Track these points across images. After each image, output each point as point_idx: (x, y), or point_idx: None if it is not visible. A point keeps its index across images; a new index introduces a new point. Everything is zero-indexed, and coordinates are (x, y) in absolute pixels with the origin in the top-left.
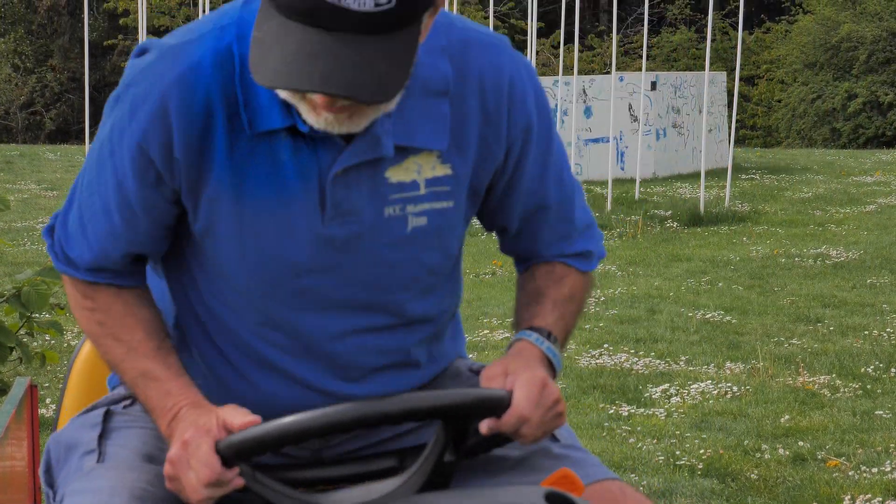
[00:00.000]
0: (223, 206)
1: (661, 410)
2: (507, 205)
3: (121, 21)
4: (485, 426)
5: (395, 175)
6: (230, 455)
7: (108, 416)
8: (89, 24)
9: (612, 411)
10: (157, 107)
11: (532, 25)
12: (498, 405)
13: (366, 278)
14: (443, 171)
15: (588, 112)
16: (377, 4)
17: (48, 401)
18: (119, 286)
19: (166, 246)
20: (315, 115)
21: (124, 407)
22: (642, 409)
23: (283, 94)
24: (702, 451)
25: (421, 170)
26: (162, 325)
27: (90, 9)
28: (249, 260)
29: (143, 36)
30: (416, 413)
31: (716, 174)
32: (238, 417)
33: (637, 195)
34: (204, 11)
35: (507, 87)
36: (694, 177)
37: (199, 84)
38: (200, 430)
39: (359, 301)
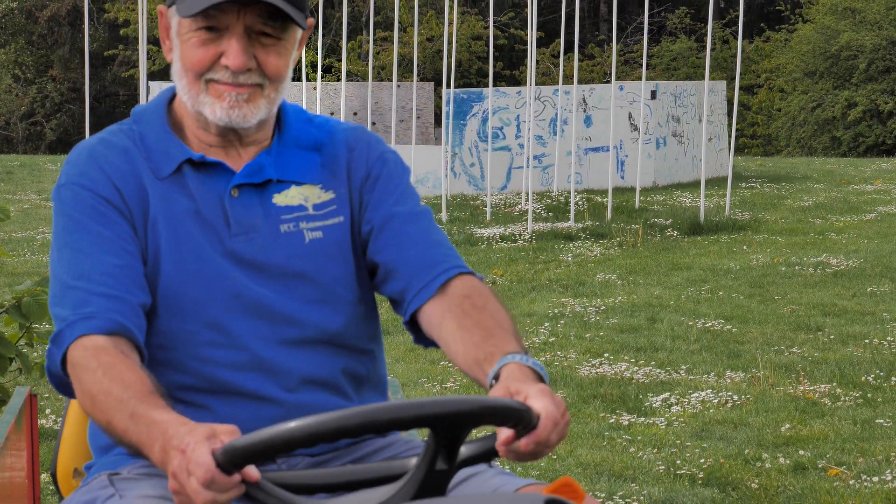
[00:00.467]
0: (160, 233)
1: (662, 419)
2: (368, 215)
3: (121, 31)
4: (505, 438)
5: (282, 200)
6: (230, 461)
7: (112, 477)
8: (90, 35)
9: (612, 420)
10: (88, 159)
11: (532, 35)
12: (517, 415)
13: (284, 288)
14: (327, 196)
15: (588, 121)
16: None
17: (48, 411)
18: (107, 335)
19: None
20: (219, 103)
21: (125, 474)
22: (643, 419)
23: (187, 94)
24: (702, 461)
25: (307, 198)
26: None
27: (91, 19)
28: (190, 272)
29: (143, 46)
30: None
31: (716, 183)
32: (228, 430)
33: (637, 204)
34: None
35: (366, 138)
36: (694, 185)
37: (116, 142)
38: (195, 437)
39: (284, 310)
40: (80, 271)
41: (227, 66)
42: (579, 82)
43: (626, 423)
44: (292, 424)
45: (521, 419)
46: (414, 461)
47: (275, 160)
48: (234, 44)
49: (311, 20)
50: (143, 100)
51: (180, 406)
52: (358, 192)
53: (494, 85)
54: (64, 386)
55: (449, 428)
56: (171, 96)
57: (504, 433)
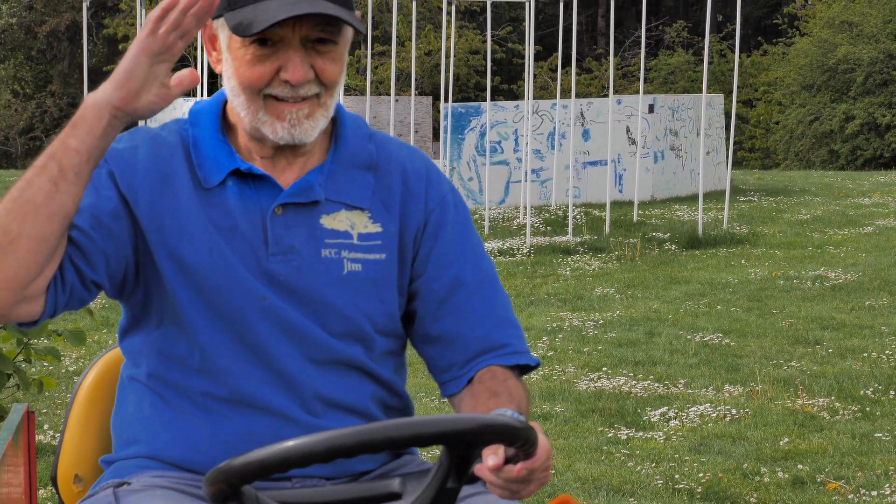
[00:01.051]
0: (190, 244)
1: (660, 434)
2: (428, 274)
3: (120, 46)
4: (494, 463)
5: (329, 223)
6: (236, 480)
7: (117, 490)
8: (89, 50)
9: (610, 434)
10: (130, 146)
11: (530, 49)
12: (514, 434)
13: (314, 315)
14: (374, 228)
15: (586, 135)
16: None
17: (46, 427)
18: None
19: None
20: (280, 123)
21: (134, 485)
22: (641, 433)
23: (245, 111)
24: (701, 475)
25: (354, 225)
26: None
27: (90, 34)
28: (222, 289)
29: None
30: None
31: (714, 196)
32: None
33: (635, 218)
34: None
35: (426, 171)
36: (692, 199)
37: (165, 142)
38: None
39: (313, 335)
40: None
41: (288, 81)
42: (577, 96)
43: (625, 437)
44: (292, 443)
45: (528, 439)
46: (401, 481)
47: (326, 179)
48: (294, 57)
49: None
50: None
51: (199, 410)
52: (412, 236)
53: (492, 99)
54: None
55: (461, 446)
56: (226, 99)
57: (492, 459)
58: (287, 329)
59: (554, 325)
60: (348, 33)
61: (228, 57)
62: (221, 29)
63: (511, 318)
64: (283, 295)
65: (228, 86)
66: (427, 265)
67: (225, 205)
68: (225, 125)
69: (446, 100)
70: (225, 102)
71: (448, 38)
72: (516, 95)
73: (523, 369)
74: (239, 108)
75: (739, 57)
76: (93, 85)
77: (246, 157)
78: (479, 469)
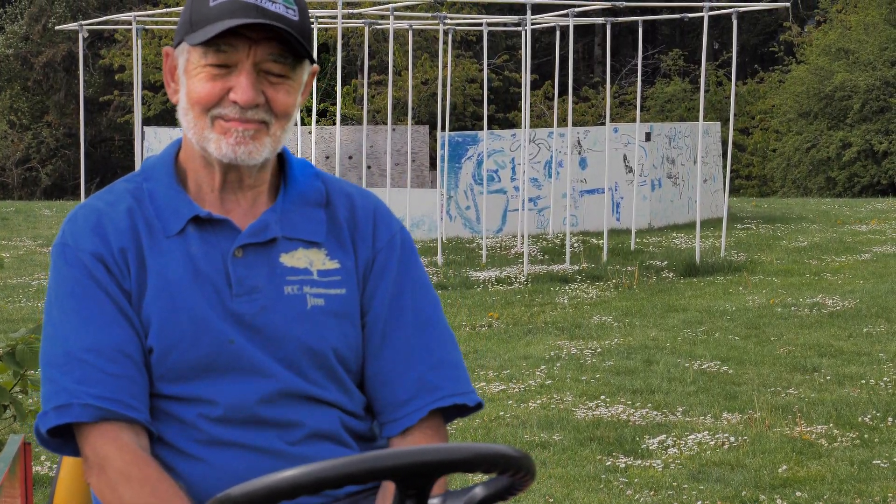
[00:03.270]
0: (156, 294)
1: (659, 462)
2: (373, 312)
3: (116, 77)
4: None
5: (289, 261)
6: None
7: None
8: (85, 81)
9: (609, 463)
10: (94, 223)
11: (526, 77)
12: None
13: (282, 353)
14: (332, 265)
15: (583, 163)
16: (287, 9)
17: (42, 458)
18: (123, 421)
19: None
20: (225, 139)
21: None
22: (639, 461)
23: (192, 129)
24: (699, 503)
25: (312, 263)
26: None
27: (86, 65)
28: (187, 337)
29: (138, 91)
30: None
31: (711, 224)
32: None
33: (633, 246)
34: None
35: (373, 210)
36: (689, 227)
37: (120, 205)
38: None
39: (281, 376)
40: (88, 343)
41: (236, 102)
42: (574, 124)
43: (623, 465)
44: (286, 474)
45: (529, 469)
46: None
47: (280, 217)
48: (244, 79)
49: (314, 66)
50: (137, 145)
51: (175, 455)
52: (363, 272)
53: (488, 128)
54: (49, 444)
55: (412, 479)
56: (178, 149)
57: None
58: (255, 370)
59: (552, 353)
60: (304, 70)
61: (184, 80)
62: (181, 54)
63: (450, 359)
64: (250, 334)
65: (180, 107)
66: (372, 302)
67: (187, 249)
68: (178, 175)
69: (443, 129)
70: (177, 154)
71: (445, 66)
72: (512, 124)
73: (465, 408)
74: (187, 129)
75: (736, 84)
76: (89, 115)
77: (198, 200)
78: None
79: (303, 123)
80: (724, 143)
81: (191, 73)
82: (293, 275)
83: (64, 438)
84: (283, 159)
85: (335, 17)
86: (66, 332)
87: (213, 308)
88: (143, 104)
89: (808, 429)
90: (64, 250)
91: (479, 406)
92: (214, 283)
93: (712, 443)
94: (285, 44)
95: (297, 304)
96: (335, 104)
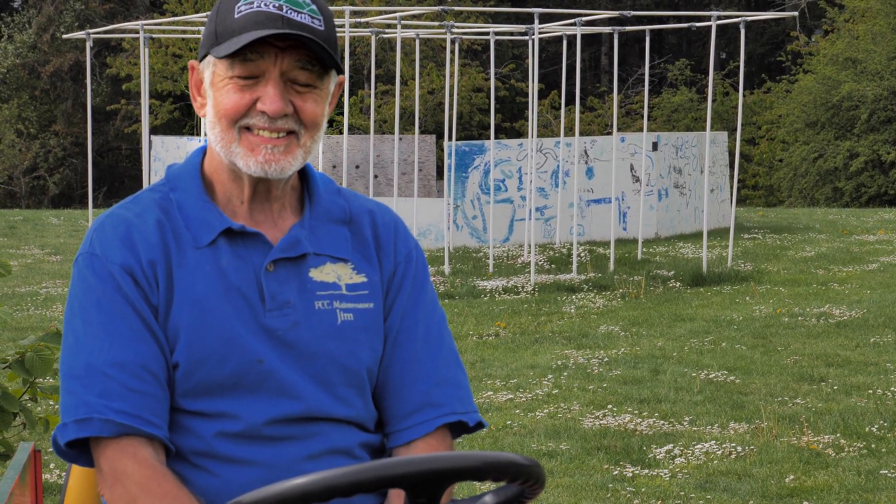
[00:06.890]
0: (185, 308)
1: (666, 471)
2: (388, 324)
3: (124, 86)
4: None
5: (318, 275)
6: None
7: None
8: (92, 90)
9: (616, 472)
10: (123, 234)
11: (533, 87)
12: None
13: (311, 370)
14: (359, 279)
15: (590, 173)
16: (312, 19)
17: (52, 466)
18: (142, 436)
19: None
20: (253, 157)
21: None
22: (647, 470)
23: (220, 142)
24: None
25: (340, 277)
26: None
27: (93, 74)
28: (215, 354)
29: (145, 100)
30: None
31: (718, 234)
32: None
33: (640, 255)
34: None
35: (394, 225)
36: (696, 237)
37: (149, 217)
38: None
39: (308, 396)
40: (113, 358)
41: (264, 111)
42: (580, 134)
43: (630, 474)
44: (298, 481)
45: (539, 476)
46: None
47: (309, 233)
48: (271, 88)
49: (341, 76)
50: (144, 154)
51: (191, 469)
52: (386, 285)
53: (495, 137)
54: (66, 455)
55: (422, 486)
56: (202, 157)
57: None
58: (282, 390)
59: (559, 362)
60: (330, 80)
61: (211, 93)
62: (207, 68)
63: (454, 377)
64: (281, 350)
65: (207, 120)
66: (389, 313)
67: (218, 262)
68: (205, 185)
69: (450, 138)
70: (201, 163)
71: (451, 76)
72: (519, 133)
73: (465, 427)
74: (215, 142)
75: (743, 94)
76: (96, 124)
77: (228, 212)
78: None
79: None
80: (731, 152)
81: (217, 86)
82: (323, 289)
83: (80, 449)
84: (304, 173)
85: (342, 27)
86: (89, 345)
87: (245, 323)
88: (150, 113)
89: (816, 438)
90: (92, 260)
91: (479, 426)
92: (247, 298)
93: (719, 452)
94: (312, 52)
95: (328, 319)
96: (342, 114)
